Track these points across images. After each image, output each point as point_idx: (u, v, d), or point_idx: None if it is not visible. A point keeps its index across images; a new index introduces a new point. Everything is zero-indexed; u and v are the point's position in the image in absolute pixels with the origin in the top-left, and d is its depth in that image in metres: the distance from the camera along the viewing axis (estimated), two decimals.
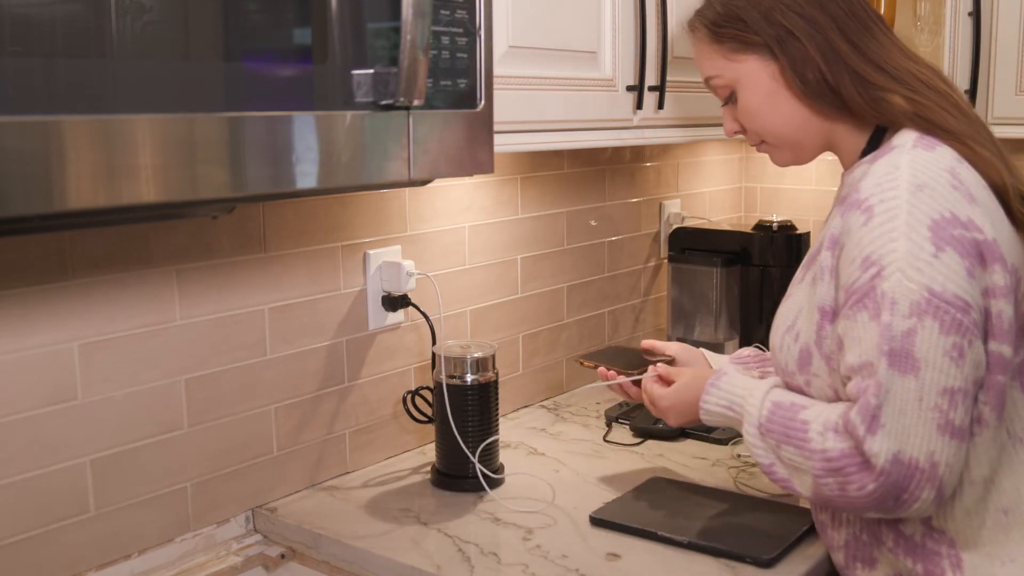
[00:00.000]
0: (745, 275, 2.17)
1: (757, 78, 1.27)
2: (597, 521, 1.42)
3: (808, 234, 2.17)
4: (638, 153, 2.22)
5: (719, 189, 2.56)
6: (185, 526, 1.41)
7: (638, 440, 1.78)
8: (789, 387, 1.27)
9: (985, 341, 1.13)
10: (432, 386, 1.58)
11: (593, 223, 2.12)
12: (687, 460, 1.68)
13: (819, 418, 1.16)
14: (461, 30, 1.12)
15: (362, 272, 1.62)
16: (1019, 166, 1.23)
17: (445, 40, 1.10)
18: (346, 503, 1.51)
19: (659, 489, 1.53)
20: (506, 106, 1.33)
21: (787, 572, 1.29)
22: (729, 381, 1.31)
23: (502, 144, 1.33)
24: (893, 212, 1.12)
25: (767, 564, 1.29)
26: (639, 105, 1.60)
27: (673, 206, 2.35)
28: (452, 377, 1.54)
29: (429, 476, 1.60)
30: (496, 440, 1.57)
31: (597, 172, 2.11)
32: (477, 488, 1.53)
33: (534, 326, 2.00)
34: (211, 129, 0.91)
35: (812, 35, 1.23)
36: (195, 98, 0.90)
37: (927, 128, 1.20)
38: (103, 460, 1.31)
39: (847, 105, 1.24)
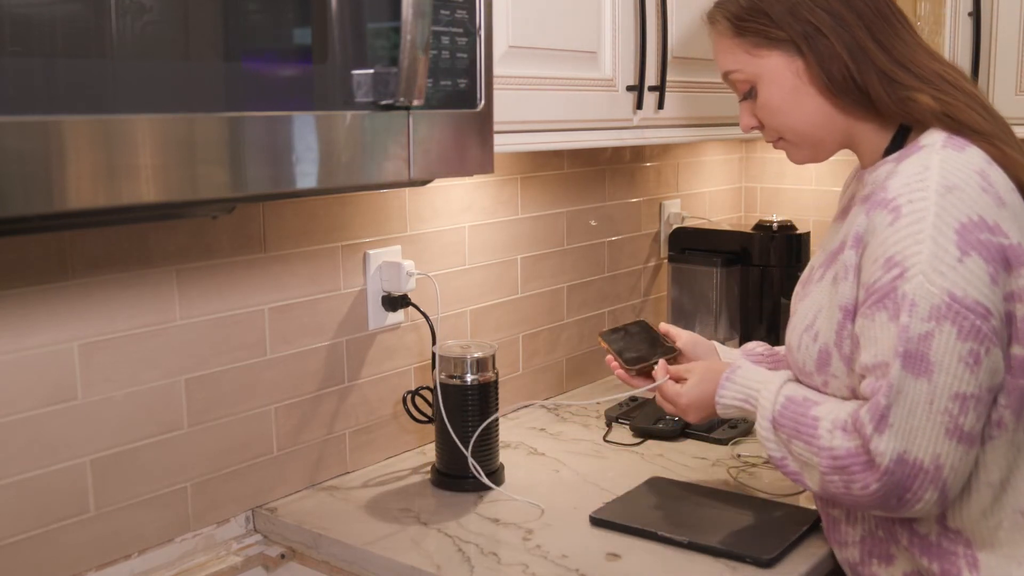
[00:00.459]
0: (745, 275, 2.17)
1: (780, 74, 1.25)
2: (597, 521, 1.42)
3: (808, 234, 2.17)
4: (638, 153, 2.22)
5: (719, 189, 2.56)
6: (185, 526, 1.41)
7: (638, 440, 1.78)
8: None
9: (1009, 345, 1.12)
10: (432, 386, 1.58)
11: (593, 223, 2.12)
12: (687, 460, 1.68)
13: (830, 415, 1.16)
14: (461, 30, 1.12)
15: (362, 272, 1.62)
16: None
17: (445, 40, 1.10)
18: (346, 503, 1.51)
19: (659, 489, 1.53)
20: (506, 106, 1.33)
21: (787, 572, 1.29)
22: (743, 375, 1.31)
23: (502, 144, 1.33)
24: (921, 214, 1.11)
25: (767, 564, 1.29)
26: (639, 105, 1.60)
27: (673, 206, 2.35)
28: (452, 377, 1.54)
29: (429, 476, 1.60)
30: (496, 440, 1.57)
31: (597, 172, 2.11)
32: (477, 488, 1.53)
33: (534, 326, 2.00)
34: (211, 129, 0.91)
35: (839, 32, 1.21)
36: (195, 98, 0.90)
37: (955, 128, 1.19)
38: (103, 460, 1.31)
39: (873, 103, 1.22)
